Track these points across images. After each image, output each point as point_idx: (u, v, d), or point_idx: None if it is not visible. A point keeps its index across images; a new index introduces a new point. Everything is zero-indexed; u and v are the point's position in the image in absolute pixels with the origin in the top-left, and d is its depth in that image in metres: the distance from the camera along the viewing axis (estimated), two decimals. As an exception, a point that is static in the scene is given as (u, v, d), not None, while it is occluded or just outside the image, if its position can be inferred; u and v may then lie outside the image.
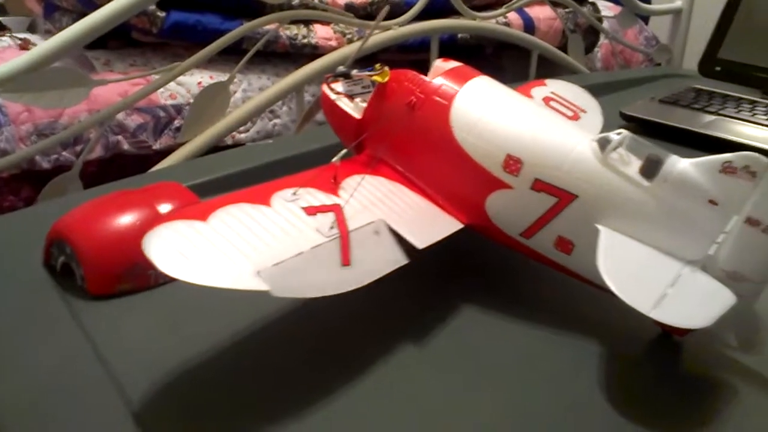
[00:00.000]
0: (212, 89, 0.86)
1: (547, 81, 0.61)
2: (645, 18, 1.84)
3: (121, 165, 1.09)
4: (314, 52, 1.27)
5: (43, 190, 0.76)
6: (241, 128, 1.15)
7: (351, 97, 0.48)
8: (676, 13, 1.44)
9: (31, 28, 1.58)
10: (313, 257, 0.32)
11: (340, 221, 0.35)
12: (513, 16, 1.48)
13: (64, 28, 0.66)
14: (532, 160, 0.38)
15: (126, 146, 1.09)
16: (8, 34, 1.28)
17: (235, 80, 1.16)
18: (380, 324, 0.39)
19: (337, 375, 0.34)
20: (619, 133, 0.37)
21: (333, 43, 1.30)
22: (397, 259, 0.36)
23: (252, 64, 1.17)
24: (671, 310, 0.31)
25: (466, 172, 0.40)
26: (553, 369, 0.35)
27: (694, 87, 0.93)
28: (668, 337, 0.37)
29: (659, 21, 1.64)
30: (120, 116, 1.05)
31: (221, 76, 1.11)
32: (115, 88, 1.03)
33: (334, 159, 0.39)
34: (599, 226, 0.36)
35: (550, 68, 1.26)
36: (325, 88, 0.49)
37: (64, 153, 1.02)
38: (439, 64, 0.45)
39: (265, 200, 0.35)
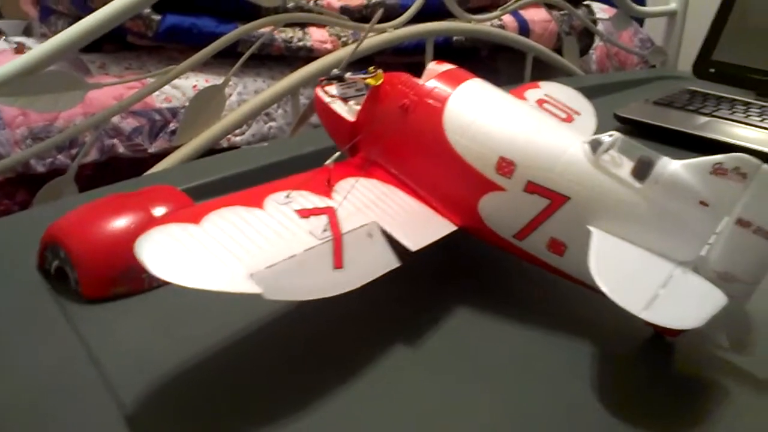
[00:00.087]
0: (207, 92, 0.86)
1: (541, 83, 0.61)
2: (640, 20, 1.85)
3: (117, 168, 1.09)
4: (309, 55, 1.27)
5: (38, 194, 0.76)
6: (237, 131, 1.15)
7: (345, 100, 0.48)
8: (671, 15, 1.44)
9: (27, 32, 1.58)
10: (305, 260, 0.33)
11: (333, 224, 0.35)
12: (508, 19, 1.48)
13: (59, 32, 0.66)
14: (524, 163, 0.38)
15: (121, 149, 1.09)
16: (3, 38, 1.28)
17: (231, 83, 1.16)
18: (374, 326, 0.39)
19: (330, 377, 0.34)
20: (610, 135, 0.37)
21: (328, 46, 1.30)
22: (390, 262, 0.36)
23: (247, 67, 1.17)
24: (662, 311, 0.31)
25: (459, 174, 0.40)
26: (546, 369, 0.36)
27: (689, 89, 0.93)
28: (661, 337, 0.37)
29: (654, 23, 1.64)
30: (115, 119, 1.05)
31: (217, 80, 1.11)
32: (110, 91, 1.03)
33: (328, 162, 0.39)
34: (591, 228, 0.36)
35: (545, 70, 1.27)
36: (318, 91, 0.49)
37: (59, 156, 1.02)
38: (433, 67, 0.45)
39: (258, 203, 0.35)
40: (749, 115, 0.79)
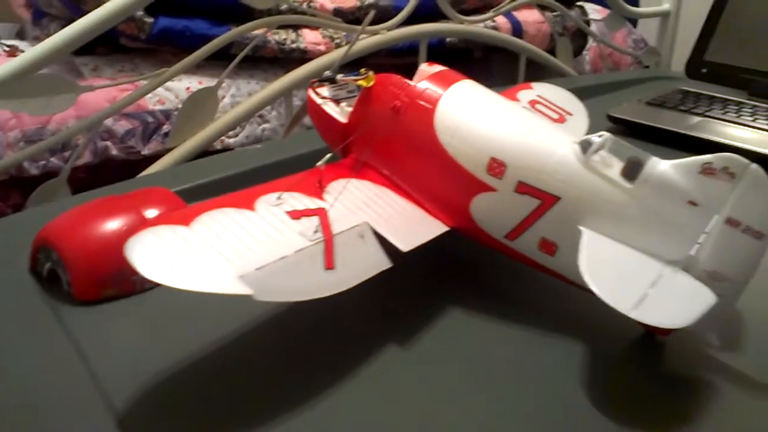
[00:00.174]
0: (200, 94, 0.86)
1: (534, 84, 0.62)
2: (633, 21, 1.85)
3: (110, 170, 1.09)
4: (303, 56, 1.27)
5: (31, 196, 0.76)
6: (230, 133, 1.15)
7: (337, 101, 0.48)
8: (664, 15, 1.45)
9: (20, 35, 1.58)
10: (296, 261, 0.33)
11: (325, 225, 0.35)
12: (501, 20, 1.49)
13: (52, 35, 0.66)
14: (515, 163, 0.38)
15: (114, 152, 1.09)
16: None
17: (224, 85, 1.16)
18: (367, 327, 0.39)
19: (324, 378, 0.34)
20: (600, 136, 0.37)
21: (322, 47, 1.30)
22: (382, 263, 0.36)
23: (241, 69, 1.17)
24: (652, 310, 0.31)
25: (450, 175, 0.40)
26: (538, 369, 0.36)
27: (681, 89, 0.93)
28: (651, 336, 0.37)
29: (648, 23, 1.64)
30: (108, 122, 1.05)
31: (210, 82, 1.11)
32: (103, 93, 1.03)
33: (319, 163, 0.40)
34: (581, 228, 0.36)
35: (538, 71, 1.27)
36: (310, 92, 0.49)
37: (52, 159, 1.02)
38: (424, 68, 0.45)
39: (249, 205, 0.35)
40: (741, 115, 0.79)
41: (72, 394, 0.33)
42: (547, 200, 0.37)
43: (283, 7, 0.99)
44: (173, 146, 0.84)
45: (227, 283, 0.30)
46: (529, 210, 0.38)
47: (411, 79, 0.44)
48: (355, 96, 0.47)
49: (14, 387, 0.33)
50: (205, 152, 0.84)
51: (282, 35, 1.27)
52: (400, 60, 1.31)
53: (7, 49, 1.20)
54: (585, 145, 0.37)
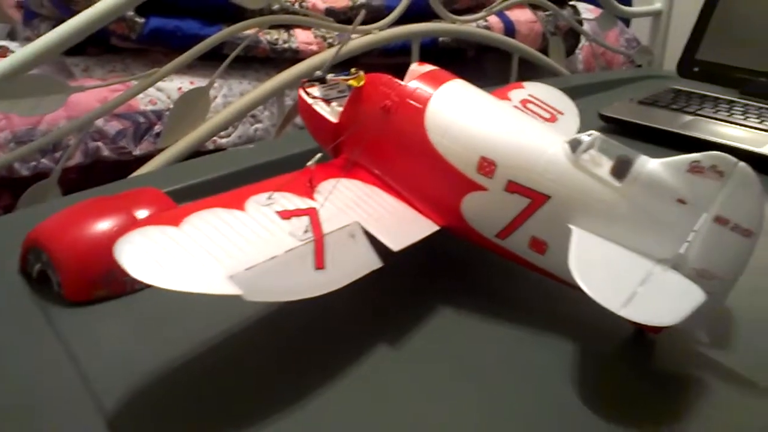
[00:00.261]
0: (192, 94, 0.86)
1: (525, 84, 0.62)
2: (626, 20, 1.86)
3: (101, 171, 1.08)
4: (295, 56, 1.27)
5: (21, 197, 0.76)
6: (223, 133, 1.15)
7: (327, 101, 0.48)
8: (656, 15, 1.45)
9: (11, 36, 1.57)
10: (286, 261, 0.33)
11: (315, 225, 0.35)
12: (493, 20, 1.49)
13: (43, 35, 0.65)
14: (505, 162, 0.38)
15: (106, 152, 1.08)
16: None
17: (216, 85, 1.16)
18: (358, 326, 0.39)
19: (315, 378, 0.34)
20: (589, 135, 0.37)
21: (314, 47, 1.30)
22: (373, 262, 0.36)
23: (233, 69, 1.17)
24: (641, 308, 0.31)
25: (441, 174, 0.40)
26: (529, 367, 0.36)
27: (673, 88, 0.93)
28: (642, 334, 0.37)
29: (640, 23, 1.65)
30: (99, 122, 1.05)
31: (201, 82, 1.10)
32: (94, 94, 1.02)
33: (309, 163, 0.40)
34: (571, 226, 0.36)
35: (531, 71, 1.27)
36: (301, 92, 0.49)
37: (43, 160, 1.01)
38: (415, 68, 0.45)
39: (239, 205, 0.35)
40: (733, 114, 0.80)
41: (62, 395, 0.33)
42: (537, 199, 0.37)
43: (275, 6, 0.99)
44: (165, 147, 0.84)
45: (217, 284, 0.30)
46: (520, 209, 0.38)
47: (402, 79, 0.44)
48: (345, 96, 0.47)
49: (3, 388, 0.33)
50: (197, 152, 0.84)
51: (274, 35, 1.27)
52: (392, 60, 1.31)
53: (-3, 49, 1.20)
54: (574, 144, 0.37)
